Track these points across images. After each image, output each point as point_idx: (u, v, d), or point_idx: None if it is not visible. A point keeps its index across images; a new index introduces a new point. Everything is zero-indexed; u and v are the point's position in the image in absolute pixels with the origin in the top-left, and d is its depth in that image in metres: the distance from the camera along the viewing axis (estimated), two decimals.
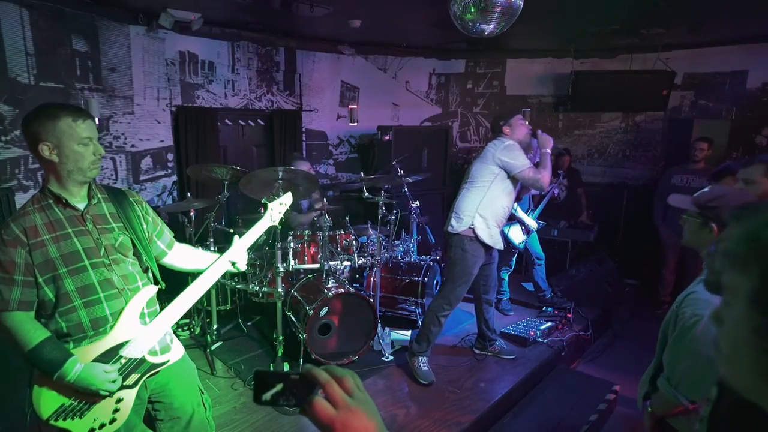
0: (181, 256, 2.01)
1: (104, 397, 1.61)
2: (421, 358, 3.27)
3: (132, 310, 1.69)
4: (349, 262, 3.69)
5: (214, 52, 4.97)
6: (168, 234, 1.98)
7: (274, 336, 3.45)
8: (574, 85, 5.68)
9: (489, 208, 3.10)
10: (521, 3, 2.82)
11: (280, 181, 3.30)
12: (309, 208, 4.31)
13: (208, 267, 1.88)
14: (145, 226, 1.84)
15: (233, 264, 1.92)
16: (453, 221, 3.18)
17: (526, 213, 4.26)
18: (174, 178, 4.87)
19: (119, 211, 1.76)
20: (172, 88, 4.71)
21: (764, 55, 5.01)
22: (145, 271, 1.82)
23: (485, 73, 6.50)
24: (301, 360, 3.27)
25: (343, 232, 3.80)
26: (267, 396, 0.68)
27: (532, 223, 4.25)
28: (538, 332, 3.87)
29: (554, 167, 5.61)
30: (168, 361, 1.78)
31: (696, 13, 4.14)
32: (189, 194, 3.90)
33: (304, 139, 5.89)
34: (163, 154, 4.75)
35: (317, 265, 3.56)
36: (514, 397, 3.26)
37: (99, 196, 1.74)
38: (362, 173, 4.24)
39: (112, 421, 1.63)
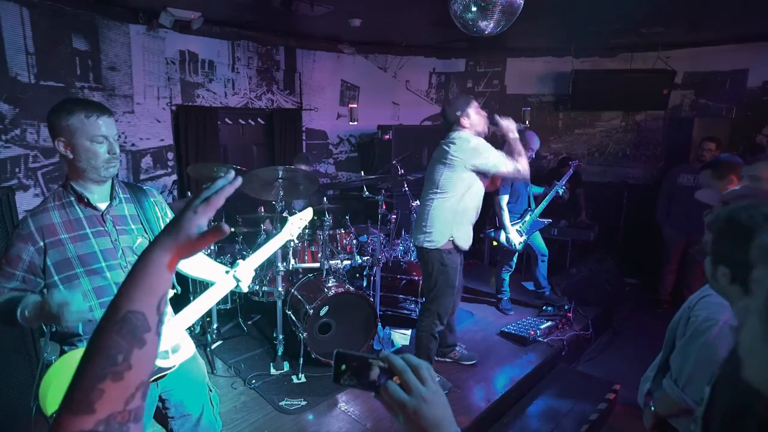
0: (191, 262, 1.96)
1: None
2: None
3: None
4: (349, 261, 3.69)
5: (214, 51, 4.96)
6: None
7: (275, 335, 3.46)
8: (574, 84, 5.68)
9: (465, 216, 2.88)
10: (521, 2, 2.82)
11: (280, 180, 3.30)
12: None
13: (214, 281, 1.88)
14: (161, 225, 1.82)
15: (237, 282, 1.87)
16: (427, 237, 2.89)
17: (525, 211, 4.23)
18: (174, 177, 4.87)
19: (139, 212, 1.75)
20: (172, 87, 4.71)
21: (765, 54, 5.00)
22: None
23: (485, 72, 6.49)
24: (301, 359, 3.27)
25: (343, 231, 3.80)
26: (346, 376, 0.72)
27: (514, 238, 4.09)
28: (538, 331, 3.87)
29: (554, 169, 5.64)
30: (174, 366, 1.75)
31: (696, 12, 4.13)
32: (189, 193, 3.91)
33: (304, 138, 5.89)
34: (163, 153, 4.75)
35: (317, 264, 3.56)
36: (514, 397, 3.26)
37: (121, 195, 1.73)
38: (362, 172, 4.24)
39: None
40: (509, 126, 2.84)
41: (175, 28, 4.43)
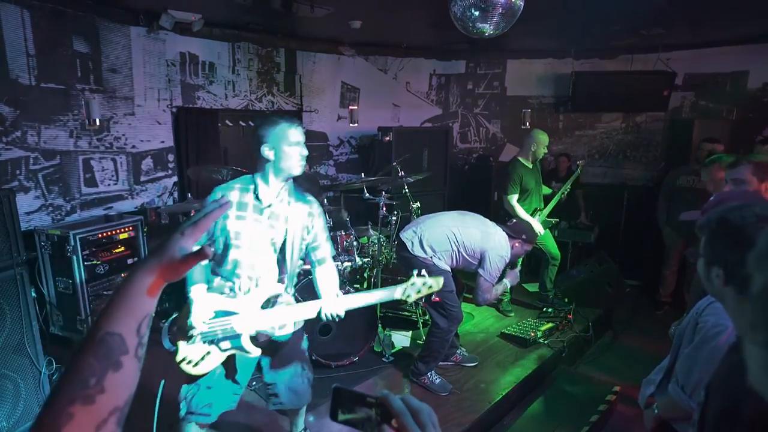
0: (320, 276, 2.24)
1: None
2: (429, 373, 3.21)
3: (257, 295, 1.93)
4: (349, 263, 3.69)
5: (214, 53, 4.97)
6: (322, 252, 2.20)
7: None
8: (574, 86, 5.69)
9: (450, 260, 3.18)
10: (521, 4, 2.82)
11: None
12: None
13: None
14: (305, 234, 2.10)
15: (320, 313, 2.01)
16: (419, 247, 3.09)
17: (535, 211, 4.23)
18: (175, 179, 4.87)
19: (294, 216, 2.04)
20: (173, 89, 4.72)
21: (765, 56, 5.01)
22: (282, 271, 2.08)
23: (485, 73, 6.50)
24: None
25: (343, 233, 3.80)
26: (342, 415, 0.70)
27: (537, 227, 4.16)
28: (538, 333, 3.87)
29: (554, 169, 5.65)
30: (252, 354, 1.93)
31: (696, 13, 4.13)
32: (190, 195, 3.91)
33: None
34: (164, 155, 4.75)
35: None
36: (515, 398, 3.26)
37: (286, 198, 2.02)
38: (363, 174, 4.24)
39: (197, 364, 1.91)
40: (513, 279, 3.34)
41: (175, 30, 4.44)
